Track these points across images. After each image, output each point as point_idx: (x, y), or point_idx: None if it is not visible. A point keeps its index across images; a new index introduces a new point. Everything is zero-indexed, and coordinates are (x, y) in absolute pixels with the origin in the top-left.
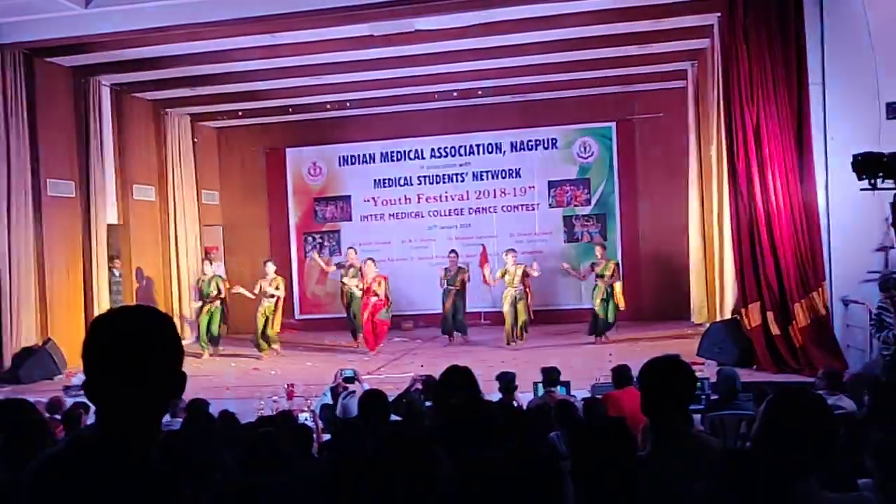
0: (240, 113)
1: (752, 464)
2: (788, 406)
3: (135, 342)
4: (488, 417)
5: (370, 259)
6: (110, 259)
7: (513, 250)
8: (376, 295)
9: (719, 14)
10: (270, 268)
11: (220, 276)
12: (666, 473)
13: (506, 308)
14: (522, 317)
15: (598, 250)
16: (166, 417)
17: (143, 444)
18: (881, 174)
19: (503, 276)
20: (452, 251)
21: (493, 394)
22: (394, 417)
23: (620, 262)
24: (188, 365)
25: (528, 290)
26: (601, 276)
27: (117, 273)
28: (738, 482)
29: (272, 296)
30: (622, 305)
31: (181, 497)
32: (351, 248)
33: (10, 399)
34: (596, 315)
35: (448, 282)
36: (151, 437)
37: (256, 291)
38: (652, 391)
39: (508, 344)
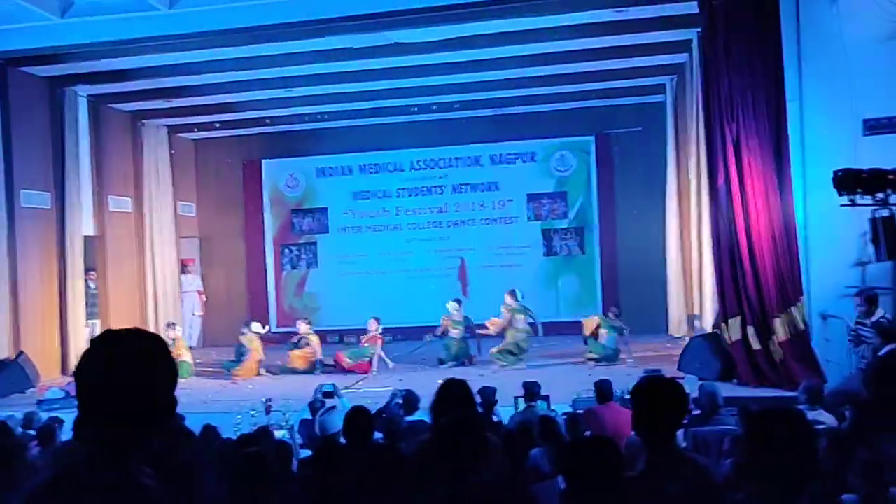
0: (217, 124)
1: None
2: (770, 427)
3: (130, 363)
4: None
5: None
6: (86, 271)
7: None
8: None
9: (699, 29)
10: (255, 327)
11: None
12: (660, 491)
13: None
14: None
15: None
16: None
17: (132, 459)
18: (860, 190)
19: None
20: (456, 300)
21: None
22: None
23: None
24: None
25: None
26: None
27: (92, 285)
28: None
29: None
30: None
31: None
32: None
33: None
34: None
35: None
36: (138, 452)
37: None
38: (645, 409)
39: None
